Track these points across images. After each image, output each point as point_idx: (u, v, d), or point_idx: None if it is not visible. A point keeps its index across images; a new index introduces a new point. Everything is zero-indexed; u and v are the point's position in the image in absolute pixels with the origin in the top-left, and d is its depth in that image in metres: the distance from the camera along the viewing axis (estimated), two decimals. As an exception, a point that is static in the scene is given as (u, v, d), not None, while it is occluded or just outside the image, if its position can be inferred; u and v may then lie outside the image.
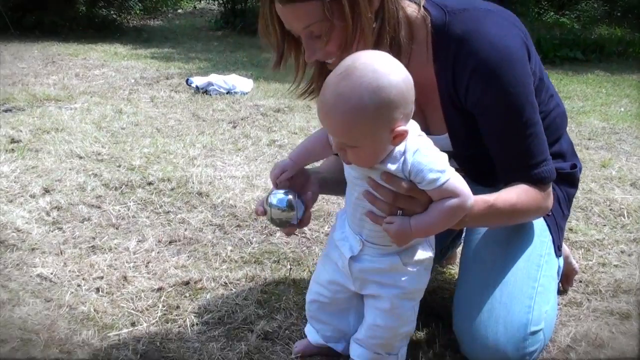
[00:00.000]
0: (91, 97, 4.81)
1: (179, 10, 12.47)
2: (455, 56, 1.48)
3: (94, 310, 1.83)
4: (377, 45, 1.45)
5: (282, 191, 1.50)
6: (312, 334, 1.63)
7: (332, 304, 1.59)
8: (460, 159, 1.66)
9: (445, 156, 1.37)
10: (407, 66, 1.35)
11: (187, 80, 5.36)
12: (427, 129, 1.53)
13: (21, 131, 3.61)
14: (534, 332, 1.54)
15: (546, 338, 1.61)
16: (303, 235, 2.44)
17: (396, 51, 1.46)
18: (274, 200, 1.49)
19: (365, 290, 1.52)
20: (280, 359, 1.62)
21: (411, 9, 1.51)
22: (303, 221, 1.53)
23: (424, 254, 1.50)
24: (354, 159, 1.39)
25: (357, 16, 1.40)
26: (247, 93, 5.19)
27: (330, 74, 1.35)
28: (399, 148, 1.35)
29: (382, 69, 1.30)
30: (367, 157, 1.37)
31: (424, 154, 1.35)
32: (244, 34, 9.90)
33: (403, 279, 1.48)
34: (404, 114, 1.32)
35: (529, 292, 1.58)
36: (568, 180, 1.74)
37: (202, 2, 13.06)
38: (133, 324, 1.77)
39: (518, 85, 1.45)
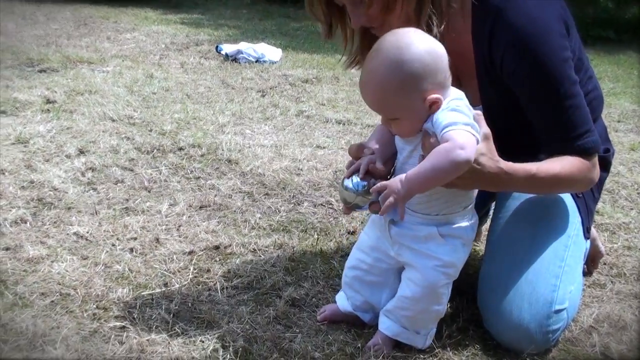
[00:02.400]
0: (123, 60, 4.86)
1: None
2: (492, 27, 1.51)
3: (129, 269, 1.89)
4: (418, 9, 1.47)
5: (355, 175, 1.49)
6: (342, 301, 1.68)
7: (370, 274, 1.63)
8: (494, 132, 1.66)
9: (466, 118, 1.39)
10: (445, 34, 1.39)
11: (216, 48, 5.40)
12: None
13: (56, 92, 3.68)
14: (558, 311, 1.57)
15: (569, 317, 1.64)
16: (330, 206, 2.48)
17: (437, 16, 1.48)
18: (349, 184, 1.49)
19: (402, 256, 1.56)
20: (307, 325, 1.67)
21: None
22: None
23: (463, 229, 1.53)
24: (397, 130, 1.48)
25: None
26: (276, 62, 5.21)
27: (367, 55, 1.40)
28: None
29: (405, 44, 1.38)
30: (408, 127, 1.45)
31: (446, 112, 1.39)
32: (273, 1, 9.88)
33: (438, 249, 1.51)
34: (433, 83, 1.38)
35: (555, 271, 1.61)
36: (601, 164, 1.75)
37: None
38: (165, 285, 1.82)
39: (553, 56, 1.47)
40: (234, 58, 5.13)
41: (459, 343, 1.63)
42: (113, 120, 3.31)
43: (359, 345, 1.58)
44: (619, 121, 4.06)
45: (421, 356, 1.57)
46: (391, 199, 1.35)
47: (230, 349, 1.52)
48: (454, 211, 1.53)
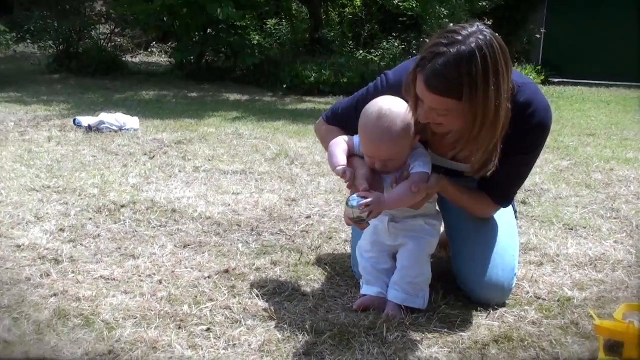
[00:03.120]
0: (-14, 141, 4.88)
1: (-1, 55, 12.08)
2: (520, 116, 2.00)
3: (170, 294, 2.25)
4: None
5: (356, 195, 2.01)
6: (370, 289, 2.22)
7: (381, 262, 2.22)
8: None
9: (424, 159, 2.08)
10: None
11: (74, 121, 5.58)
12: (460, 159, 2.12)
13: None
14: (515, 273, 2.30)
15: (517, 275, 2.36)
16: (284, 233, 2.99)
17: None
18: (354, 203, 2.00)
19: (397, 240, 2.19)
20: (345, 309, 2.18)
21: None
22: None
23: (437, 219, 2.24)
24: (393, 167, 2.09)
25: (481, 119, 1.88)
26: (137, 129, 5.54)
27: (368, 120, 2.03)
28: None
29: (400, 108, 2.02)
30: (402, 164, 2.09)
31: (416, 157, 2.08)
32: (82, 76, 9.98)
33: (425, 230, 2.18)
34: (414, 129, 2.04)
35: (513, 245, 2.33)
36: None
37: (20, 46, 12.70)
38: (211, 300, 2.22)
39: (544, 145, 2.17)
40: (96, 129, 5.36)
41: (447, 304, 2.25)
42: (37, 191, 3.49)
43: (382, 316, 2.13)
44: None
45: (425, 314, 2.15)
46: (373, 212, 1.99)
47: (305, 327, 2.00)
48: (429, 208, 2.20)
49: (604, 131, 6.48)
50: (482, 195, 2.24)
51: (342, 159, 2.14)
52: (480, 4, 11.16)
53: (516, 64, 12.80)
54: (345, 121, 2.29)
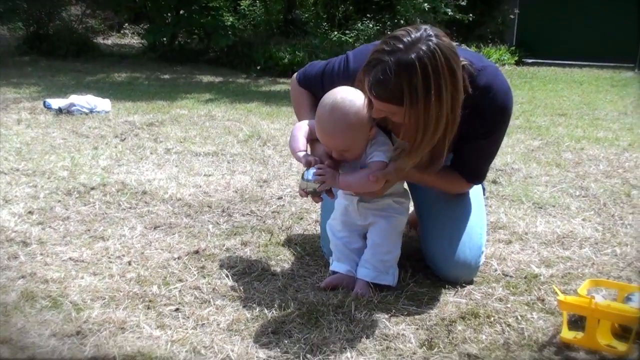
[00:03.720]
0: (-46, 123, 4.80)
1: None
2: (481, 100, 2.03)
3: (139, 275, 2.24)
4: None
5: (312, 169, 2.06)
6: (340, 266, 2.23)
7: (352, 242, 2.23)
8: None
9: (384, 147, 2.09)
10: None
11: (44, 103, 5.50)
12: None
13: None
14: (482, 252, 2.31)
15: (484, 253, 2.39)
16: (255, 214, 2.99)
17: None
18: (309, 176, 2.05)
19: (367, 219, 2.20)
20: (314, 288, 2.19)
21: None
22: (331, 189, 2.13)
23: (405, 197, 2.25)
24: (350, 157, 2.11)
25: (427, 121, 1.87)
26: (109, 112, 5.48)
27: (322, 111, 2.05)
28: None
29: (353, 100, 2.02)
30: (358, 153, 2.10)
31: (374, 145, 2.10)
32: (53, 58, 9.83)
33: (394, 209, 2.20)
34: (371, 119, 2.04)
35: (480, 223, 2.34)
36: None
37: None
38: (180, 280, 2.22)
39: (507, 125, 2.18)
40: (67, 111, 5.30)
41: (415, 282, 2.27)
42: (5, 174, 3.44)
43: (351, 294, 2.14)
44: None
45: (394, 292, 2.17)
46: (326, 183, 2.04)
47: (274, 306, 2.01)
48: (397, 187, 2.21)
49: (575, 111, 6.55)
50: (454, 174, 2.25)
51: (302, 144, 2.17)
52: (453, -17, 11.19)
53: (490, 44, 12.88)
54: (314, 87, 2.32)
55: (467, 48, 11.71)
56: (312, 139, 2.20)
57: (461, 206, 2.35)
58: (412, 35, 1.83)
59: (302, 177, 2.09)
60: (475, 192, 2.40)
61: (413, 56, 1.79)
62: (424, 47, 1.81)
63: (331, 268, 2.27)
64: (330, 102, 2.04)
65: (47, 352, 1.73)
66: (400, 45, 1.82)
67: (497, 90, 2.09)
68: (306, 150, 2.18)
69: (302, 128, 2.21)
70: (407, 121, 1.87)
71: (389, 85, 1.82)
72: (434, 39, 1.83)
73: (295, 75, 2.45)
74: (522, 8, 13.89)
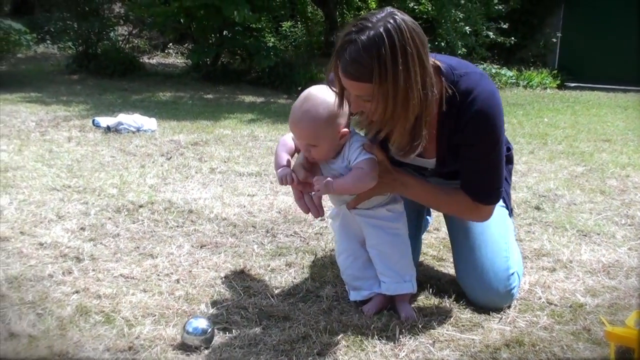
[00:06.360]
0: (9, 139, 4.96)
1: (19, 55, 12.20)
2: (461, 105, 2.04)
3: (187, 293, 2.30)
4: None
5: (201, 319, 1.96)
6: (355, 295, 2.27)
7: (359, 258, 2.26)
8: (438, 173, 2.33)
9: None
10: None
11: (93, 121, 5.66)
12: (421, 153, 2.15)
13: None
14: (512, 273, 2.30)
15: (520, 276, 2.37)
16: (298, 235, 3.03)
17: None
18: (189, 328, 1.92)
19: (365, 229, 2.23)
20: (358, 311, 2.22)
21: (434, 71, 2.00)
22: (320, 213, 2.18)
23: (397, 204, 2.27)
24: (316, 155, 2.13)
25: (399, 100, 1.88)
26: (155, 130, 5.60)
27: (295, 102, 2.10)
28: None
29: (327, 95, 2.06)
30: (325, 152, 2.12)
31: (355, 147, 2.11)
32: (100, 77, 10.08)
33: (388, 217, 2.23)
34: (344, 122, 2.08)
35: (504, 247, 2.34)
36: (507, 159, 2.42)
37: (40, 46, 12.85)
38: (227, 299, 2.27)
39: (499, 132, 2.12)
40: (115, 129, 5.44)
41: (459, 307, 2.28)
42: (58, 190, 3.56)
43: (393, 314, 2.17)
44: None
45: (437, 317, 2.18)
46: (319, 191, 2.08)
47: (319, 328, 2.04)
48: (389, 196, 2.25)
49: (620, 137, 6.47)
50: (460, 193, 2.20)
51: (283, 159, 2.22)
52: (496, 7, 11.18)
53: (532, 67, 12.81)
54: None
55: (505, 69, 11.68)
56: (294, 153, 2.25)
57: (481, 230, 2.35)
58: (378, 15, 1.90)
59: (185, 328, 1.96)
60: (498, 214, 2.37)
61: (381, 30, 1.85)
62: (390, 20, 1.88)
63: (350, 298, 2.30)
64: (305, 93, 2.10)
65: (101, 367, 1.79)
66: (368, 24, 1.88)
67: (478, 94, 2.05)
68: (286, 166, 2.20)
69: (286, 144, 2.25)
70: (376, 92, 1.89)
71: (362, 61, 1.85)
72: (398, 14, 1.91)
73: None
74: (565, 31, 13.78)
